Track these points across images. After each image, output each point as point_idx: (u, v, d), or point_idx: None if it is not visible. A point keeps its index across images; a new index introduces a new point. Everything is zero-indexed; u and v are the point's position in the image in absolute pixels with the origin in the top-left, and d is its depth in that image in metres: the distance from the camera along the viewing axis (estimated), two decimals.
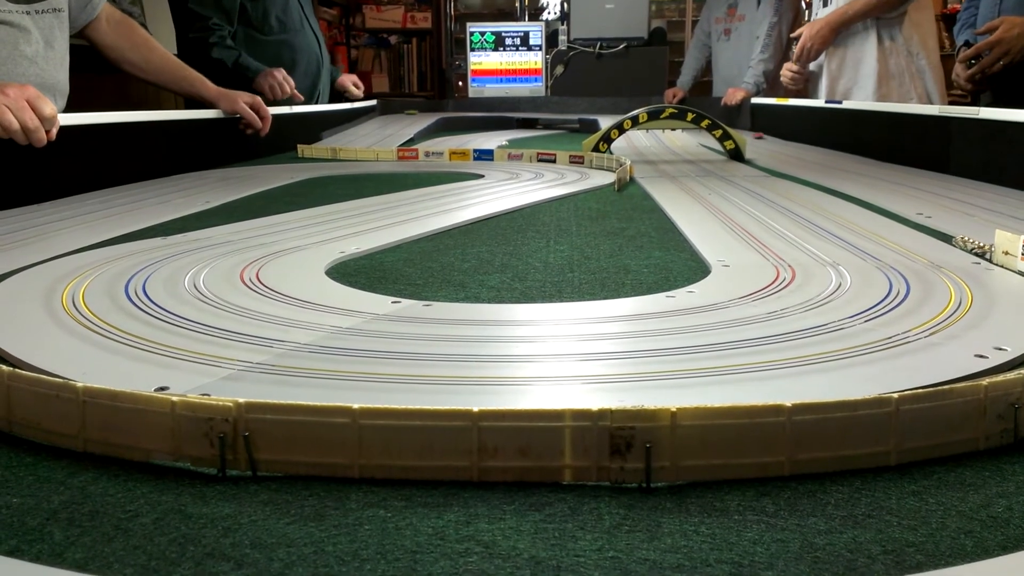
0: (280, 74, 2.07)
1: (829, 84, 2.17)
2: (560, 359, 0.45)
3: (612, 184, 1.24)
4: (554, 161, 1.56)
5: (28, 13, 1.19)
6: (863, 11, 2.06)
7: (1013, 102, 1.29)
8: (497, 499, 0.31)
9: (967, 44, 1.68)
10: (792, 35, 2.26)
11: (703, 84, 3.39)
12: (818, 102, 2.04)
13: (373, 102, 3.00)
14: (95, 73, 1.66)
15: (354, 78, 2.53)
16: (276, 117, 1.70)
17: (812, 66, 2.23)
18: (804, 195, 1.11)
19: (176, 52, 1.98)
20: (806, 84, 2.30)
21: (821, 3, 2.25)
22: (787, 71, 2.29)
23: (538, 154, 1.60)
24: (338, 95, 2.58)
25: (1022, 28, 1.50)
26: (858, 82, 2.13)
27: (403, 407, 0.32)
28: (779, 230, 0.83)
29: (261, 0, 2.14)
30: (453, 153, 1.67)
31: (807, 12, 3.00)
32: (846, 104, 1.87)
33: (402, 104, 3.42)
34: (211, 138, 1.60)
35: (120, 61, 1.49)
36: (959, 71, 1.64)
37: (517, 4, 5.55)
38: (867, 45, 2.10)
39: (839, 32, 2.11)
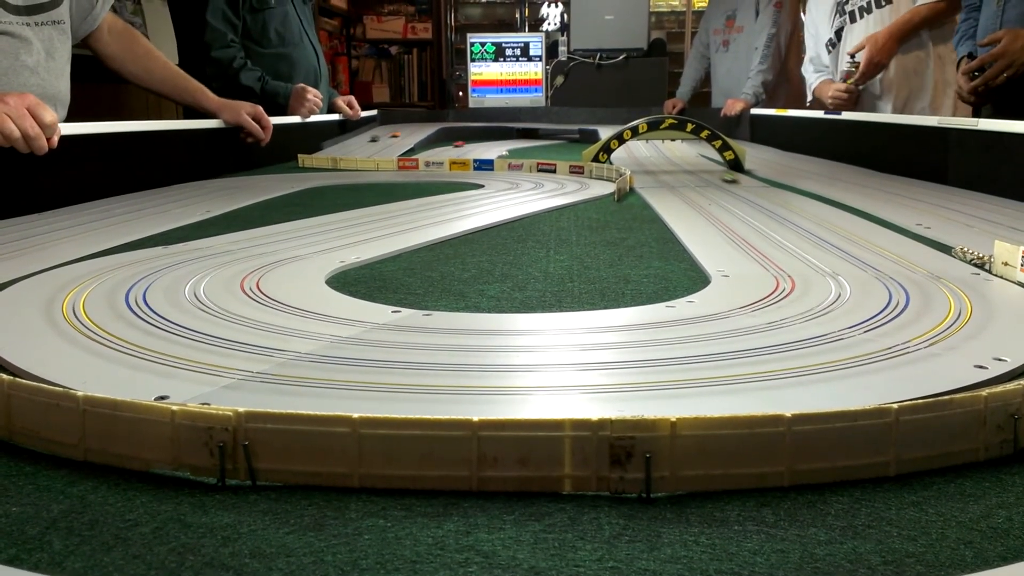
0: (311, 94, 2.08)
1: (892, 96, 2.10)
2: (560, 369, 0.45)
3: (612, 194, 1.24)
4: (554, 171, 1.57)
5: (28, 25, 1.20)
6: (928, 17, 2.00)
7: (1014, 114, 1.29)
8: (497, 509, 0.31)
9: (970, 56, 1.68)
10: (850, 52, 2.14)
11: (703, 95, 3.40)
12: (817, 113, 2.04)
13: (374, 112, 3.01)
14: (95, 83, 1.66)
15: (350, 99, 2.53)
16: (277, 127, 1.71)
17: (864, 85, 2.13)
18: (804, 206, 1.11)
19: (177, 61, 1.99)
20: (855, 104, 2.15)
21: (848, 18, 2.18)
22: (838, 92, 2.12)
23: (538, 164, 1.60)
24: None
25: None
26: (916, 92, 2.07)
27: (403, 416, 0.32)
28: (779, 240, 0.83)
29: (261, 13, 2.15)
30: (453, 163, 1.68)
31: (803, 25, 3.00)
32: (845, 115, 1.87)
33: (403, 114, 3.43)
34: (211, 148, 1.61)
35: (122, 71, 1.49)
36: (961, 83, 1.64)
37: (517, 15, 5.57)
38: (924, 56, 2.07)
39: (901, 43, 2.04)
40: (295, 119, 2.05)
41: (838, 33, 2.23)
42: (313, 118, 2.13)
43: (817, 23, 2.33)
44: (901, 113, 2.07)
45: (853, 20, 2.17)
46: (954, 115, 2.01)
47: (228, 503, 0.32)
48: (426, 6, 5.43)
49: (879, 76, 2.11)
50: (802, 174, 1.55)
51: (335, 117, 2.42)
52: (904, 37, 2.04)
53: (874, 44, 2.04)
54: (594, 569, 0.27)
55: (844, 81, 2.13)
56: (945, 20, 2.02)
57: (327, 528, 0.30)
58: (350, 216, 1.04)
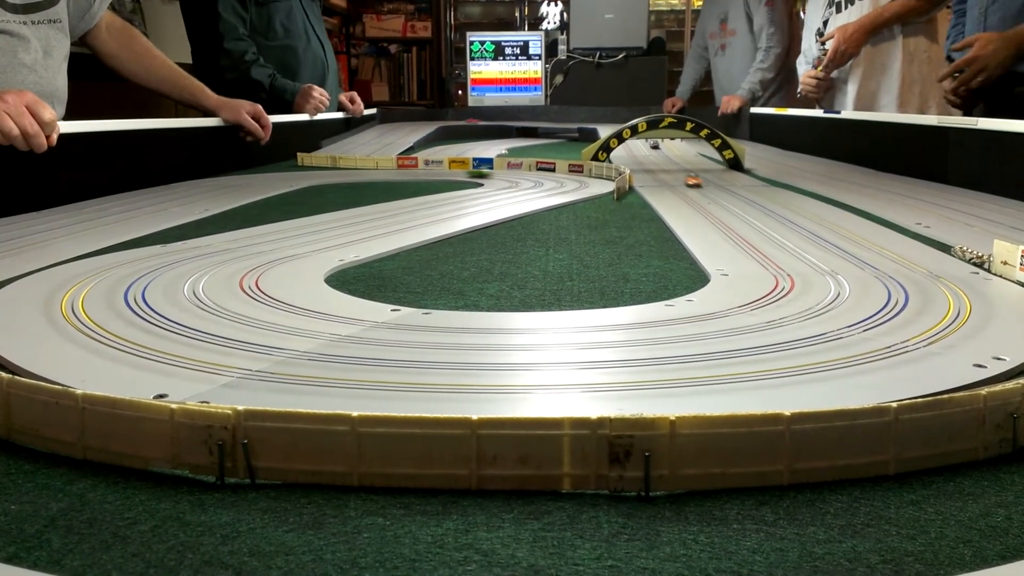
0: (317, 92, 2.10)
1: (857, 90, 2.12)
2: (559, 367, 0.45)
3: (611, 193, 1.24)
4: (553, 170, 1.57)
5: (26, 23, 1.20)
6: (899, 13, 2.02)
7: (1006, 114, 1.29)
8: (496, 507, 0.31)
9: (949, 59, 1.70)
10: (821, 39, 2.18)
11: (703, 94, 3.40)
12: (817, 112, 2.04)
13: (373, 111, 3.01)
14: (93, 80, 1.66)
15: (352, 95, 2.54)
16: (276, 125, 1.70)
17: (834, 72, 2.17)
18: (803, 205, 1.11)
19: (184, 58, 1.99)
20: (826, 92, 2.21)
21: (834, 9, 2.20)
22: (809, 79, 2.19)
23: (537, 163, 1.60)
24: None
25: (996, 44, 1.51)
26: (883, 87, 2.09)
27: (402, 415, 0.32)
28: (778, 239, 0.83)
29: (266, 6, 2.16)
30: (452, 162, 1.68)
31: (803, 23, 3.01)
32: (844, 114, 1.87)
33: (403, 113, 3.42)
34: (210, 146, 1.61)
35: (120, 69, 1.49)
36: (946, 85, 1.66)
37: (517, 14, 5.57)
38: (893, 50, 2.07)
39: (871, 35, 2.06)
40: (295, 117, 2.05)
41: (826, 24, 2.24)
42: (316, 116, 2.14)
43: (812, 15, 2.34)
44: (866, 105, 2.09)
45: (839, 11, 2.18)
46: (920, 111, 2.02)
47: (227, 501, 0.32)
48: (425, 4, 5.42)
49: (848, 66, 2.12)
50: (801, 173, 1.55)
51: (338, 115, 2.43)
52: (874, 29, 2.06)
53: (843, 33, 2.07)
54: (593, 567, 0.27)
55: (815, 68, 2.15)
56: (917, 19, 2.04)
57: (326, 526, 0.30)
58: (349, 215, 1.04)
